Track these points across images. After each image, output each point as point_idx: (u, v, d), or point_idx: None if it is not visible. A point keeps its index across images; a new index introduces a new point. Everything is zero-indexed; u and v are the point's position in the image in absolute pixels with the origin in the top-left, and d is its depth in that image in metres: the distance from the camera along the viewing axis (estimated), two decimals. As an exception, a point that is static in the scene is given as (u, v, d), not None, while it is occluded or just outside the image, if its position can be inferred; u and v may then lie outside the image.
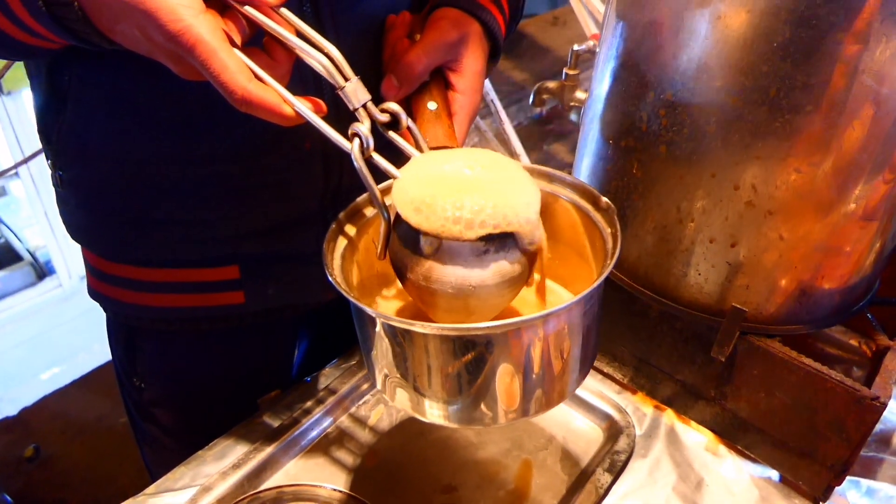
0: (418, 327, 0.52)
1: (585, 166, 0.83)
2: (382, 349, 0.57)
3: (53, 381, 2.37)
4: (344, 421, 0.86)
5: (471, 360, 0.53)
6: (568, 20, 2.23)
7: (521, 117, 2.55)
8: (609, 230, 0.60)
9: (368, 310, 0.52)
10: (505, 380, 0.54)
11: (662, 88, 0.67)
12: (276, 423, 0.83)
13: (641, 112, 0.70)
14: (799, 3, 0.56)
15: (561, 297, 0.69)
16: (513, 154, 1.90)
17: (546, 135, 2.74)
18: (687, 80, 0.65)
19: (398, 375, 0.57)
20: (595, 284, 0.53)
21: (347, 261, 0.62)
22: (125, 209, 0.77)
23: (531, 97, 0.90)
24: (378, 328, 0.56)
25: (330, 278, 0.55)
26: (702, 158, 0.67)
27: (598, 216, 0.62)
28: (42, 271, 2.78)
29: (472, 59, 0.68)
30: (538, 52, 2.63)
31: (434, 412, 0.58)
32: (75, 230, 0.83)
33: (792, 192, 0.65)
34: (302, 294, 0.87)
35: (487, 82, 1.80)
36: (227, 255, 0.80)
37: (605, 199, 0.61)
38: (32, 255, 2.77)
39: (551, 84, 0.90)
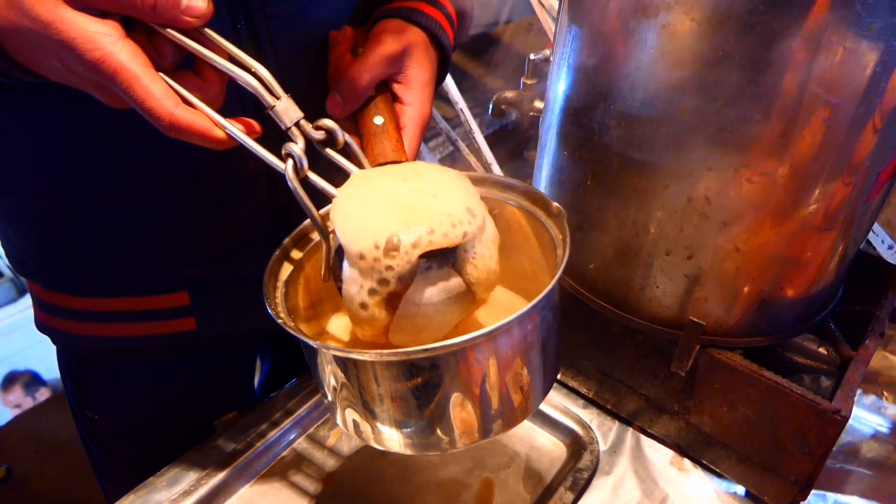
0: (356, 354, 0.50)
1: (544, 177, 0.82)
2: (331, 378, 0.55)
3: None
4: (301, 443, 0.84)
5: (418, 385, 0.51)
6: (543, 25, 2.22)
7: (497, 124, 2.53)
8: (560, 236, 0.58)
9: (308, 340, 0.50)
10: (458, 402, 0.52)
11: (613, 99, 0.65)
12: (230, 447, 0.80)
13: (594, 123, 0.69)
14: (743, 9, 0.54)
15: (517, 308, 0.67)
16: (485, 164, 1.88)
17: (526, 140, 2.72)
18: (636, 91, 0.63)
19: (349, 404, 0.55)
20: (542, 294, 0.50)
21: (294, 285, 0.60)
22: (65, 239, 0.75)
23: (490, 108, 0.89)
24: (323, 358, 0.54)
25: (269, 309, 0.53)
26: (654, 170, 0.65)
27: (550, 223, 0.60)
28: (23, 287, 2.74)
29: (419, 70, 0.66)
30: (513, 59, 2.62)
31: (389, 440, 0.56)
32: (17, 262, 0.81)
33: (746, 203, 0.63)
34: (257, 318, 0.84)
35: (455, 91, 1.78)
36: (175, 282, 0.78)
37: (555, 204, 0.60)
38: (13, 271, 2.73)
39: (509, 94, 0.88)
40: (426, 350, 0.48)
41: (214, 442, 0.81)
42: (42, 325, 0.85)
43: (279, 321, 0.52)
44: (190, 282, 0.79)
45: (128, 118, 0.54)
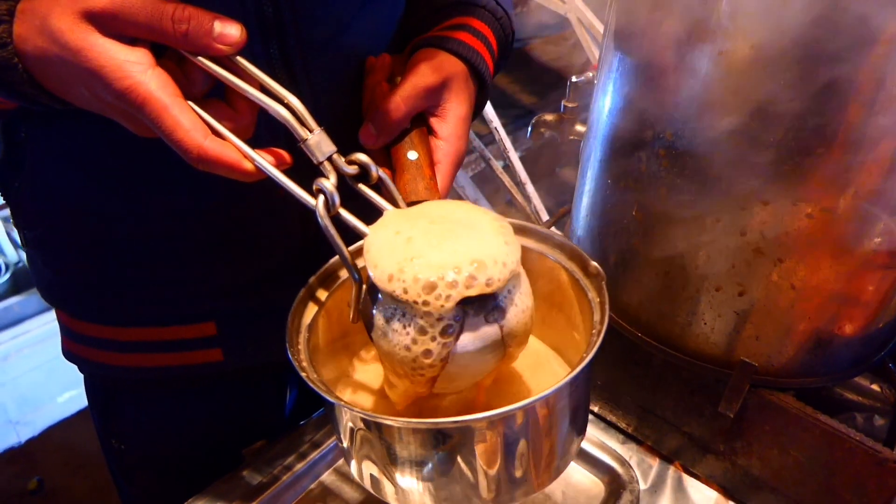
0: (384, 419, 0.49)
1: (585, 205, 0.79)
2: (351, 435, 0.53)
3: (70, 404, 2.35)
4: (328, 477, 0.81)
5: (445, 452, 0.49)
6: (579, 41, 2.19)
7: (531, 141, 2.50)
8: (597, 299, 0.56)
9: (330, 398, 0.48)
10: (484, 469, 0.50)
11: (662, 128, 0.63)
12: (257, 479, 0.78)
13: (640, 152, 0.66)
14: (807, 37, 0.51)
15: (549, 365, 0.66)
16: (518, 182, 1.85)
17: (559, 157, 2.69)
18: (688, 120, 0.60)
19: (369, 461, 0.53)
20: (579, 368, 0.48)
21: (317, 325, 0.58)
22: (92, 268, 0.74)
23: (528, 130, 0.86)
24: (346, 415, 0.52)
25: (290, 357, 0.51)
26: (705, 202, 0.62)
27: (586, 282, 0.58)
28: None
29: (456, 104, 0.63)
30: (547, 75, 2.59)
31: (411, 502, 0.54)
32: (45, 290, 0.80)
33: (804, 239, 0.60)
34: (284, 351, 0.82)
35: (490, 109, 1.75)
36: (201, 312, 0.77)
37: (594, 263, 0.57)
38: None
39: (549, 117, 0.85)
40: (459, 421, 0.47)
41: (241, 473, 0.79)
42: (69, 354, 0.84)
43: (302, 374, 0.50)
44: (217, 312, 0.77)
45: (156, 150, 0.53)
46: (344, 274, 0.60)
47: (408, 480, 0.52)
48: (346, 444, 0.55)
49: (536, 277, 0.54)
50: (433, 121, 0.63)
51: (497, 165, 1.84)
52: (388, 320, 0.49)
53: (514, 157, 1.81)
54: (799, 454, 0.69)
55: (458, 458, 0.49)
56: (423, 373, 0.49)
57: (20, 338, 2.62)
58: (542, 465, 0.53)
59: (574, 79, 0.83)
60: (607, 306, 0.53)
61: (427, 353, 0.48)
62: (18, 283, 2.71)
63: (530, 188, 1.86)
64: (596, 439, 0.83)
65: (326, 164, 0.51)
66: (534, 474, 0.53)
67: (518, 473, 0.52)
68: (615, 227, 0.73)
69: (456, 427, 0.48)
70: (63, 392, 2.39)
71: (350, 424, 0.52)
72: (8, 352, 2.56)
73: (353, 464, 0.56)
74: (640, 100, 0.64)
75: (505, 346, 0.51)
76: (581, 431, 0.58)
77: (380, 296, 0.50)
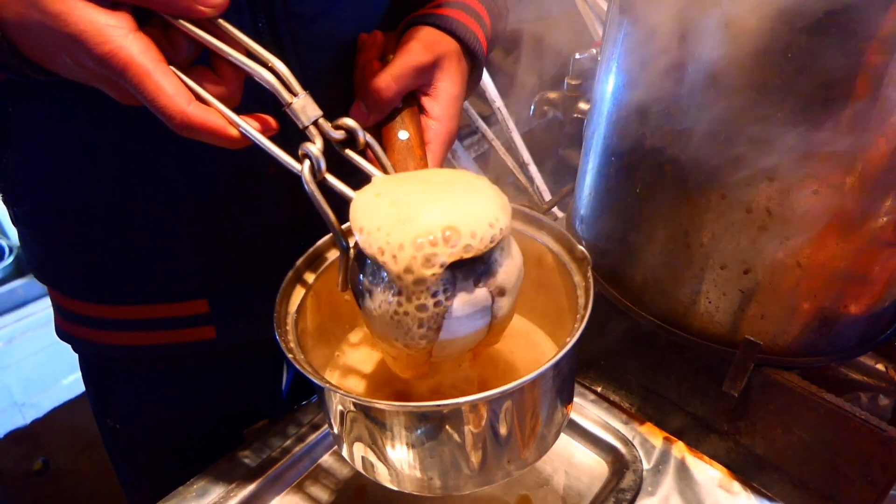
0: (378, 404, 0.48)
1: (588, 184, 0.78)
2: (341, 418, 0.53)
3: (75, 386, 2.37)
4: (327, 459, 0.81)
5: (435, 433, 0.49)
6: (582, 19, 2.17)
7: (534, 122, 2.48)
8: (583, 283, 0.55)
9: (319, 382, 0.48)
10: (473, 448, 0.51)
11: (666, 101, 0.62)
12: (260, 458, 0.78)
13: (645, 127, 0.65)
14: (816, 9, 0.50)
15: (539, 344, 0.66)
16: (521, 163, 1.84)
17: (562, 139, 2.67)
18: (693, 93, 0.59)
19: (361, 443, 0.54)
20: (561, 353, 0.48)
21: (306, 308, 0.58)
22: (82, 246, 0.73)
23: (531, 108, 0.85)
24: (335, 399, 0.52)
25: (278, 339, 0.51)
26: (710, 178, 0.62)
27: (573, 266, 0.58)
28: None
29: (448, 83, 0.62)
30: (551, 55, 2.56)
31: (401, 481, 0.54)
32: (37, 269, 0.79)
33: (810, 216, 0.59)
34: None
35: (492, 88, 1.74)
36: (193, 289, 0.76)
37: (580, 247, 0.57)
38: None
39: (552, 95, 0.84)
40: (449, 405, 0.47)
41: (241, 454, 0.79)
42: (62, 333, 0.83)
43: (290, 356, 0.50)
44: (209, 290, 0.77)
45: (147, 130, 0.52)
46: (331, 256, 0.60)
47: (399, 462, 0.52)
48: (336, 427, 0.55)
49: (524, 260, 0.54)
50: (425, 100, 0.62)
51: (499, 146, 1.83)
52: (376, 287, 0.48)
53: (517, 137, 1.79)
54: (803, 433, 0.69)
55: (448, 439, 0.49)
56: (415, 343, 0.49)
57: (24, 320, 2.62)
58: (530, 443, 0.54)
59: (577, 55, 0.82)
60: (592, 291, 0.53)
61: (417, 320, 0.47)
62: (22, 266, 2.71)
63: (533, 169, 1.85)
64: (599, 419, 0.83)
65: (312, 128, 0.50)
66: (523, 451, 0.54)
67: (507, 451, 0.52)
68: (619, 205, 0.72)
69: (444, 409, 0.48)
70: (68, 374, 2.40)
71: (340, 408, 0.52)
72: (13, 334, 2.57)
73: (345, 446, 0.56)
74: (645, 74, 0.63)
75: (495, 312, 0.50)
76: (567, 405, 0.59)
77: (367, 262, 0.49)
